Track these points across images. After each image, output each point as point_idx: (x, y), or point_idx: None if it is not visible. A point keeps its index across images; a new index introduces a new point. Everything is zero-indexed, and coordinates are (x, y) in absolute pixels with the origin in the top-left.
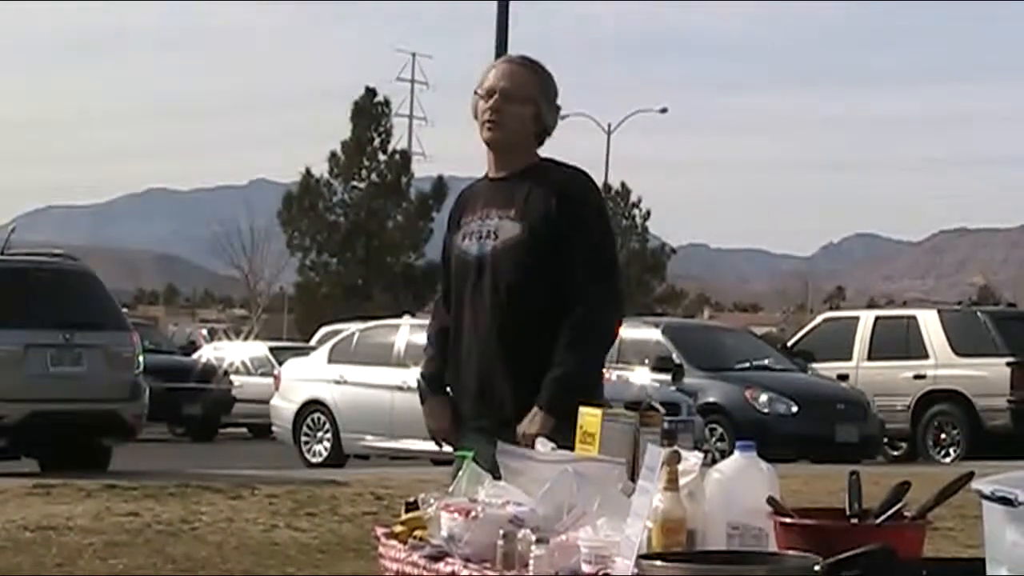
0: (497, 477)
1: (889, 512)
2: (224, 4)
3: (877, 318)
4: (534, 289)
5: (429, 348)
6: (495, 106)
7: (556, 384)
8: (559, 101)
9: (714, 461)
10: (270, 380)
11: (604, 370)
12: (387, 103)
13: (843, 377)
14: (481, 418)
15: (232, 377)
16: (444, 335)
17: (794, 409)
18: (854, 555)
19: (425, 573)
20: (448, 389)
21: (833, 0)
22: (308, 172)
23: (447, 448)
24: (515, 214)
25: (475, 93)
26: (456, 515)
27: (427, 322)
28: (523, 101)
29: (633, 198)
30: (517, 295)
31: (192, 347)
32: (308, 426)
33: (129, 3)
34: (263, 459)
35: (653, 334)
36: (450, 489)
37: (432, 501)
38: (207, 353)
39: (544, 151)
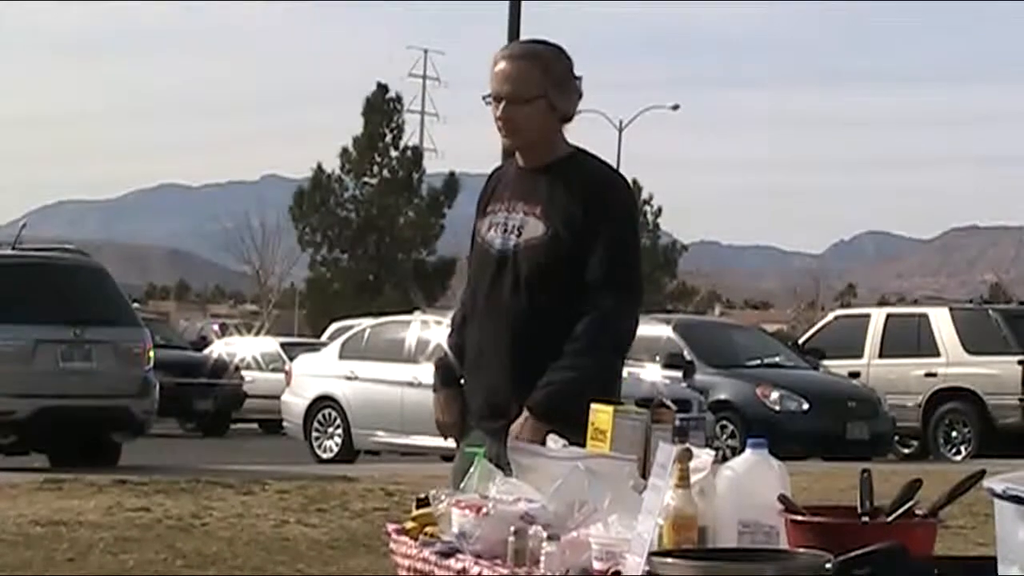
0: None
1: (901, 510)
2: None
3: (888, 316)
4: (553, 292)
5: (450, 336)
6: (504, 115)
7: (549, 390)
8: (577, 72)
9: (725, 458)
10: (281, 376)
11: (618, 375)
12: (399, 99)
13: (854, 375)
14: (487, 418)
15: (243, 373)
16: (464, 324)
17: (805, 406)
18: (865, 553)
19: (436, 570)
20: (462, 381)
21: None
22: (320, 168)
23: (452, 443)
24: (540, 212)
25: (483, 99)
26: (467, 512)
27: (438, 318)
28: (530, 100)
29: (645, 195)
30: (536, 296)
31: (203, 343)
32: (319, 422)
33: None
34: (274, 455)
35: (664, 331)
36: (461, 485)
37: (443, 497)
38: (218, 349)
39: None
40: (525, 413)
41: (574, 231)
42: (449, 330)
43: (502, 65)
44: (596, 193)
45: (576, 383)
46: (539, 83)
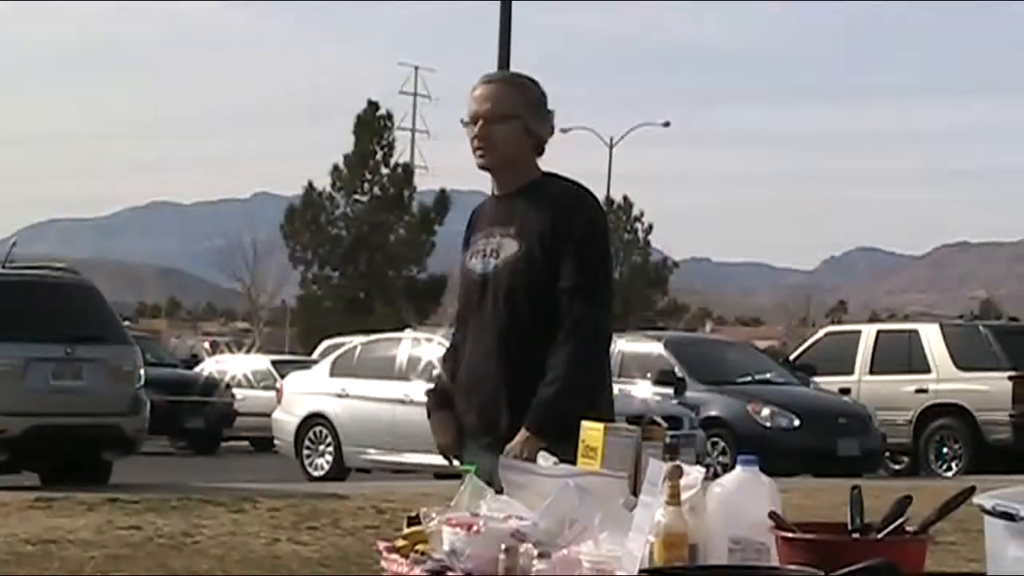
0: (497, 492)
1: (891, 526)
2: (226, 17)
3: (879, 332)
4: (532, 306)
5: (442, 362)
6: (480, 132)
7: (543, 407)
8: (551, 107)
9: (716, 475)
10: (272, 393)
11: (604, 376)
12: (390, 116)
13: (845, 391)
14: (480, 434)
15: (234, 390)
16: (456, 350)
17: (796, 423)
18: (856, 570)
19: None
20: (455, 404)
21: (836, 4)
22: (311, 185)
23: (455, 463)
24: (514, 232)
25: (462, 123)
26: (458, 529)
27: (429, 336)
28: (508, 119)
29: (635, 212)
30: (515, 312)
31: (194, 360)
32: (310, 439)
33: (130, 15)
34: (265, 472)
35: (655, 348)
36: (452, 503)
37: (434, 515)
38: (209, 366)
39: (546, 165)
40: (522, 432)
41: (545, 246)
42: (444, 356)
43: (480, 89)
44: (564, 208)
45: (564, 394)
46: (516, 104)
